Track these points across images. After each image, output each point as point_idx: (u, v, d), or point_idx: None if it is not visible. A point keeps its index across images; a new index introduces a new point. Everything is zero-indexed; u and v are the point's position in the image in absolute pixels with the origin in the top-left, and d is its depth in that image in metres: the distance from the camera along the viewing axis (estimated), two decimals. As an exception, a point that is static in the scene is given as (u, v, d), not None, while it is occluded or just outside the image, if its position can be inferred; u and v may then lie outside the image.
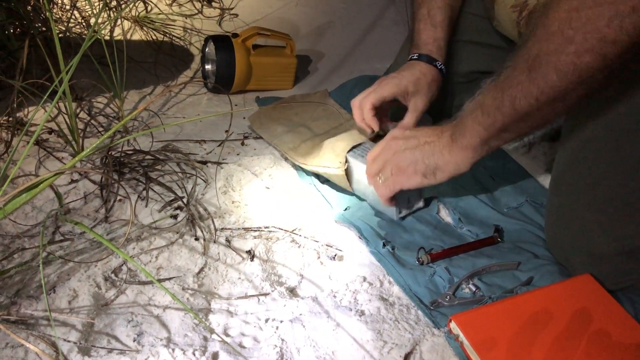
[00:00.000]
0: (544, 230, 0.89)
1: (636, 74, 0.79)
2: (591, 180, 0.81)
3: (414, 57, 0.97)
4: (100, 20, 1.42)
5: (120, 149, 0.98)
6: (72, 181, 0.94)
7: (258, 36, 1.26)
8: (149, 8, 1.56)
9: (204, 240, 0.84)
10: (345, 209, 0.92)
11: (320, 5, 1.66)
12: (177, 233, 0.85)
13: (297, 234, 0.86)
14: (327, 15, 1.64)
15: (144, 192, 0.91)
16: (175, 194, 0.90)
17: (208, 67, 1.28)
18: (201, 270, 0.79)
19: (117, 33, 1.45)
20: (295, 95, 1.24)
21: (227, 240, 0.84)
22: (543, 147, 1.12)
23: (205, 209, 0.90)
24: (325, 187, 0.97)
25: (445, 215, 0.93)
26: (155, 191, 0.92)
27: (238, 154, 1.05)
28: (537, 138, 1.13)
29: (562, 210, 0.83)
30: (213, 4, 1.67)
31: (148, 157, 0.97)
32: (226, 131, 1.12)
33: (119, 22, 1.46)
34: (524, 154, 1.09)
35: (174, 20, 1.56)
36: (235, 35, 1.25)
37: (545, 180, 1.02)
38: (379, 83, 0.95)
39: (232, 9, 1.66)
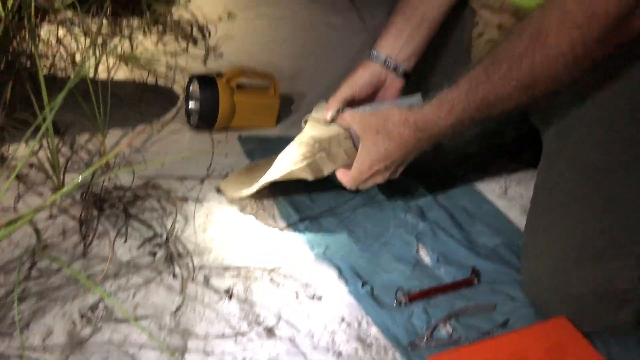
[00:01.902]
0: (520, 272, 0.90)
1: (609, 115, 0.83)
2: (567, 223, 0.82)
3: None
4: (85, 57, 1.44)
5: (101, 185, 0.98)
6: (51, 216, 0.93)
7: (242, 76, 1.28)
8: (134, 45, 1.58)
9: (182, 278, 0.83)
10: (326, 248, 0.93)
11: (305, 46, 1.70)
12: (156, 271, 0.84)
13: (276, 273, 0.86)
14: (312, 56, 1.67)
15: (124, 229, 0.91)
16: (154, 231, 0.90)
17: (192, 105, 1.29)
18: (178, 308, 0.78)
19: (102, 69, 1.46)
20: (259, 162, 1.16)
21: (206, 279, 0.84)
22: (519, 189, 1.14)
23: (185, 247, 0.89)
24: (306, 225, 0.98)
25: (424, 256, 0.94)
26: (134, 228, 0.91)
27: (219, 192, 1.06)
28: (513, 180, 1.16)
29: (538, 252, 0.84)
30: (198, 43, 1.70)
31: (128, 193, 0.97)
32: (208, 168, 1.12)
33: (103, 59, 1.48)
34: (501, 196, 1.12)
35: (159, 59, 1.58)
36: (220, 74, 1.27)
37: (521, 222, 1.03)
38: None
39: (217, 48, 1.69)
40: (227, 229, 0.95)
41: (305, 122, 0.96)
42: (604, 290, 0.78)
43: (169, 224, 0.93)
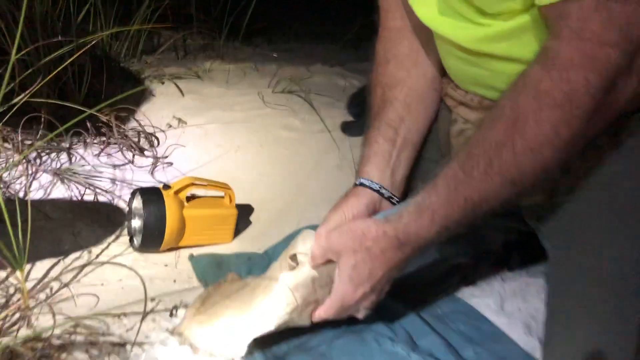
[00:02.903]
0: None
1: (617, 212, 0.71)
2: (589, 349, 0.68)
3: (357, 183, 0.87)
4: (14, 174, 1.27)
5: (14, 336, 0.78)
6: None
7: (192, 186, 1.14)
8: (73, 159, 1.43)
9: None
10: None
11: (261, 152, 1.58)
12: None
13: None
14: (269, 162, 1.54)
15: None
16: (78, 394, 0.70)
17: (135, 223, 1.13)
18: None
19: (35, 187, 1.30)
20: (215, 287, 0.94)
21: None
22: (516, 302, 0.99)
23: (118, 414, 0.70)
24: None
25: (421, 400, 0.76)
26: (53, 392, 0.72)
27: (167, 329, 0.87)
28: (507, 292, 1.01)
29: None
30: (145, 152, 1.56)
31: (45, 344, 0.78)
32: (151, 299, 0.94)
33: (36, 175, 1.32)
34: (497, 312, 0.96)
35: (101, 172, 1.43)
36: (167, 186, 1.12)
37: (527, 344, 0.88)
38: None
39: (166, 157, 1.55)
40: (174, 380, 0.76)
41: (292, 258, 0.81)
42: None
43: (99, 383, 0.74)
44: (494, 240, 0.97)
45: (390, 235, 0.73)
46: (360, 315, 0.80)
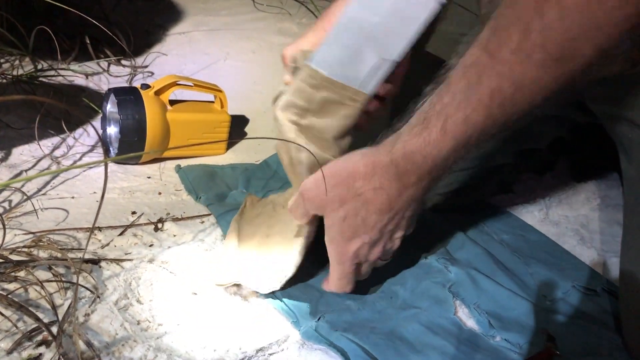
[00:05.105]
0: (617, 329, 0.60)
1: None
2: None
3: None
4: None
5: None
6: None
7: (176, 87, 0.96)
8: (39, 67, 1.24)
9: (85, 399, 0.49)
10: (319, 320, 0.60)
11: (254, 59, 1.40)
12: (38, 389, 0.49)
13: (244, 373, 0.53)
14: (263, 70, 1.36)
15: (-12, 319, 0.56)
16: (38, 319, 0.55)
17: (110, 129, 0.96)
18: None
19: (-8, 95, 1.11)
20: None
21: (126, 395, 0.50)
22: (562, 210, 0.85)
23: (89, 342, 0.55)
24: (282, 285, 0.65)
25: (467, 318, 0.63)
26: (5, 316, 0.56)
27: (151, 245, 0.72)
28: (552, 199, 0.87)
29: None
30: (123, 62, 1.37)
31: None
32: (133, 212, 0.79)
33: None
34: (543, 221, 0.82)
35: (72, 81, 1.24)
36: (146, 86, 0.94)
37: (584, 255, 0.74)
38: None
39: (145, 66, 1.36)
40: (161, 302, 0.62)
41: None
42: None
43: (65, 305, 0.58)
44: (541, 136, 0.81)
45: (383, 164, 0.54)
46: (367, 274, 0.63)
